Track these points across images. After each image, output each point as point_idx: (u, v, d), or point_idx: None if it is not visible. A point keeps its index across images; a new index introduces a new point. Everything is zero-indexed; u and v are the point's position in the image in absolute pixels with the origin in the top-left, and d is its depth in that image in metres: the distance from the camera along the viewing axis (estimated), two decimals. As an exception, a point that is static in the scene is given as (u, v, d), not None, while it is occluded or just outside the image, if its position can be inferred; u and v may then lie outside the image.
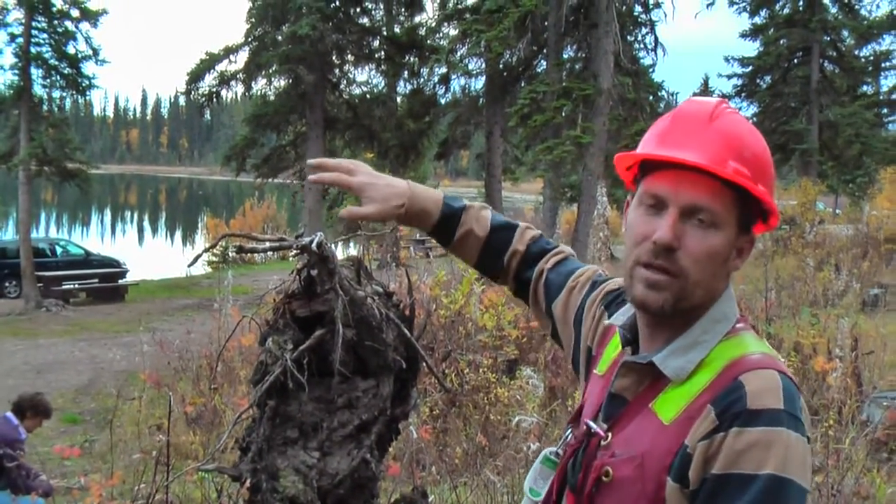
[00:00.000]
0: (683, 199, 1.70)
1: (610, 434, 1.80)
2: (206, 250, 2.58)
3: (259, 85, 30.56)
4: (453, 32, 29.94)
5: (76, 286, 28.67)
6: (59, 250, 30.58)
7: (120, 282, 29.71)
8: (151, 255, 47.62)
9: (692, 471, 1.62)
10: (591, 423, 1.85)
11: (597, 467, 1.77)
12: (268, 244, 2.47)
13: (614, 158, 1.94)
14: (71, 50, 27.04)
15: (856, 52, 40.97)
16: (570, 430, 1.98)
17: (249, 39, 29.67)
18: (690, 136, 1.73)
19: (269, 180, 32.43)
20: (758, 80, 40.92)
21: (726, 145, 1.71)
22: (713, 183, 1.69)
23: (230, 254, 30.34)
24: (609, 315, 2.05)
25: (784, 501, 1.55)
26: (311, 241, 2.35)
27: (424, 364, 3.07)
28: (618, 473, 1.73)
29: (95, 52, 27.08)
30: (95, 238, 62.83)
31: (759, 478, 1.55)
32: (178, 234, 71.36)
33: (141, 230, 78.02)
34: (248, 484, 2.81)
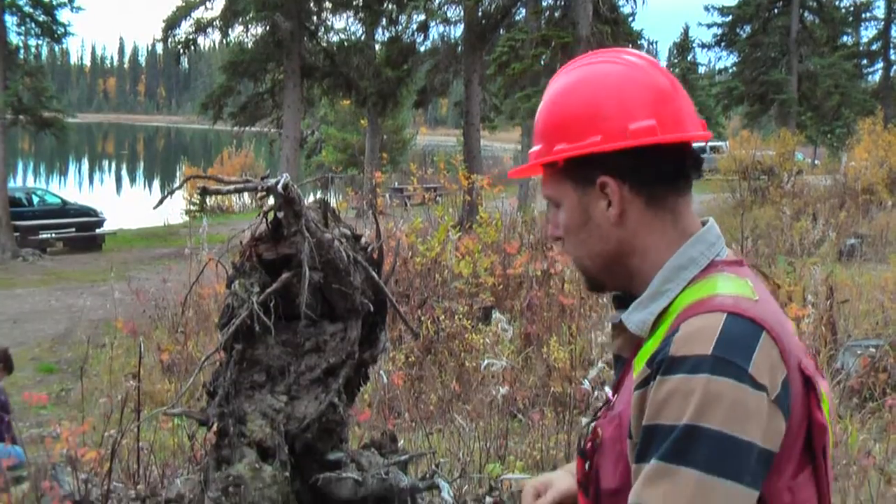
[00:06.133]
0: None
1: (616, 396, 1.74)
2: (171, 192, 2.55)
3: (236, 32, 30.32)
4: (432, -20, 29.73)
5: (53, 236, 28.47)
6: (35, 200, 30.17)
7: (97, 231, 29.49)
8: (129, 204, 47.33)
9: (632, 424, 1.56)
10: (608, 389, 1.85)
11: (594, 430, 1.73)
12: (233, 186, 2.43)
13: (508, 175, 2.12)
14: (45, -3, 26.61)
15: (836, 3, 40.96)
16: None
17: (226, -14, 29.35)
18: None
19: (247, 128, 32.24)
20: (737, 30, 40.92)
21: (535, 134, 1.80)
22: (542, 171, 1.80)
23: (197, 199, 30.16)
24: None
25: (694, 452, 1.44)
26: (277, 183, 2.31)
27: (393, 307, 3.04)
28: (605, 434, 1.68)
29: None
30: (73, 187, 62.39)
31: (675, 429, 1.46)
32: (156, 183, 71.01)
33: (119, 179, 77.59)
34: (215, 428, 2.80)
